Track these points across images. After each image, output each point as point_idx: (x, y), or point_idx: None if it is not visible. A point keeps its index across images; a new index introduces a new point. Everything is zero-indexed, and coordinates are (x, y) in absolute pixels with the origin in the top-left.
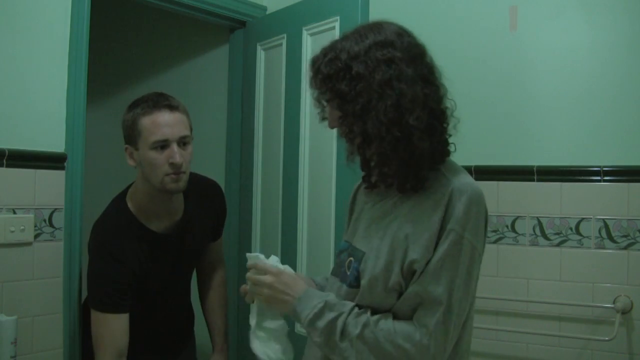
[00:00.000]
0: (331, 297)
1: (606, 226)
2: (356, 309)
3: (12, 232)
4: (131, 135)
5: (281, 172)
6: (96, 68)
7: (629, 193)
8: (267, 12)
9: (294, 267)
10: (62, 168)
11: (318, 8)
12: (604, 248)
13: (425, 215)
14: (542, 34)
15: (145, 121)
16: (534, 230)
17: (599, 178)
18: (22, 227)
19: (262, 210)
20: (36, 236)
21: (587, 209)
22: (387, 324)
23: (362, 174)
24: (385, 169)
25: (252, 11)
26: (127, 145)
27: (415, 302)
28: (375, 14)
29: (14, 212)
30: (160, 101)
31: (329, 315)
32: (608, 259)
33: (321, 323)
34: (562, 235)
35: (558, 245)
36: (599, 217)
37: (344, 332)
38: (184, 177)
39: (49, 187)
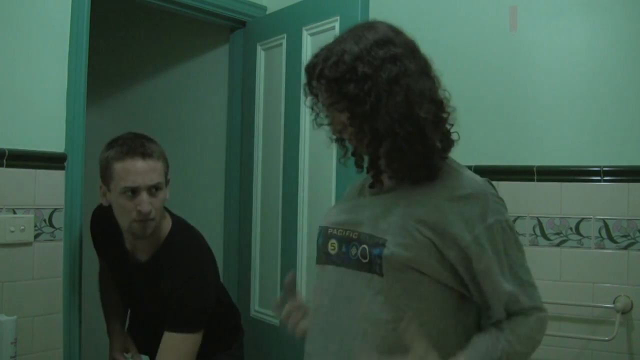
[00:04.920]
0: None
1: (606, 226)
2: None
3: (12, 232)
4: (105, 176)
5: (281, 172)
6: (96, 68)
7: (629, 193)
8: (267, 12)
9: (294, 268)
10: (62, 168)
11: (318, 8)
12: (604, 248)
13: (455, 210)
14: (542, 34)
15: (118, 166)
16: (534, 230)
17: (599, 178)
18: (22, 227)
19: (262, 211)
20: (36, 236)
21: (587, 209)
22: (511, 333)
23: (358, 172)
24: (396, 164)
25: (252, 11)
26: (101, 184)
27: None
28: (375, 14)
29: (14, 212)
30: (134, 147)
31: None
32: (608, 259)
33: None
34: (562, 235)
35: (558, 245)
36: (599, 217)
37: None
38: (152, 224)
39: (49, 187)
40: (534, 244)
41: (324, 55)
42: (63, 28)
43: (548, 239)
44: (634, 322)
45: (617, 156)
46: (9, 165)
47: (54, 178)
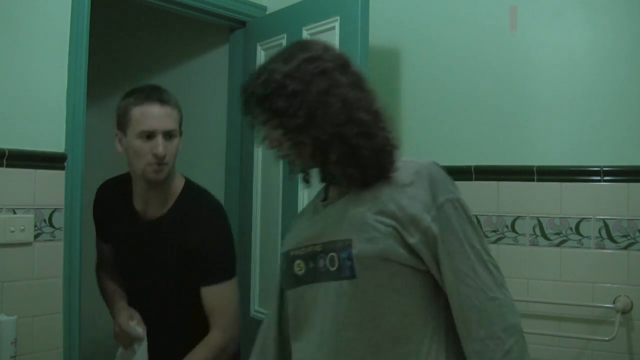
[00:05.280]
0: None
1: (606, 226)
2: None
3: (12, 232)
4: (122, 122)
5: (281, 172)
6: (96, 68)
7: (629, 193)
8: (267, 12)
9: None
10: (62, 168)
11: (318, 8)
12: (604, 248)
13: (409, 195)
14: (542, 34)
15: (136, 111)
16: (534, 230)
17: (599, 178)
18: (22, 227)
19: (262, 210)
20: (36, 236)
21: (587, 209)
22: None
23: (306, 187)
24: (350, 168)
25: (252, 11)
26: (117, 131)
27: (455, 268)
28: (375, 14)
29: (14, 212)
30: (152, 94)
31: None
32: (608, 259)
33: None
34: (562, 235)
35: (558, 245)
36: (599, 217)
37: None
38: (165, 169)
39: (49, 187)
40: (534, 244)
41: (255, 75)
42: (63, 28)
43: (548, 239)
44: (634, 322)
45: (617, 156)
46: (9, 165)
47: (54, 178)
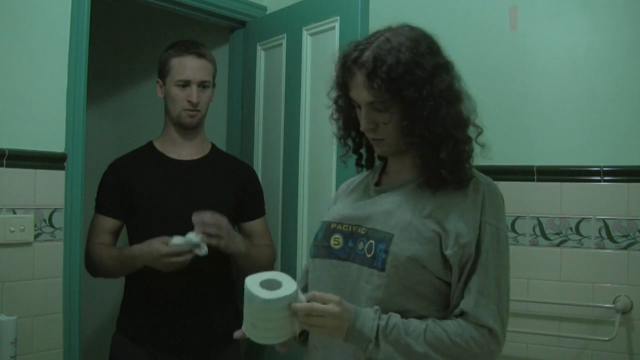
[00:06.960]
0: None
1: (606, 226)
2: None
3: (12, 232)
4: (162, 71)
5: (281, 171)
6: (96, 68)
7: (629, 193)
8: (267, 12)
9: (294, 268)
10: (62, 168)
11: (318, 8)
12: (604, 248)
13: (460, 208)
14: (542, 34)
15: (174, 62)
16: (534, 230)
17: (599, 178)
18: (22, 227)
19: None
20: (36, 236)
21: (587, 209)
22: (444, 332)
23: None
24: (458, 166)
25: (252, 11)
26: (158, 79)
27: (462, 296)
28: (375, 14)
29: (14, 212)
30: (190, 47)
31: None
32: (608, 259)
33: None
34: (562, 235)
35: (558, 245)
36: (599, 217)
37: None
38: (199, 115)
39: (49, 187)
40: (534, 244)
41: (375, 53)
42: (63, 28)
43: (548, 239)
44: (634, 322)
45: (617, 156)
46: (9, 165)
47: (54, 178)
